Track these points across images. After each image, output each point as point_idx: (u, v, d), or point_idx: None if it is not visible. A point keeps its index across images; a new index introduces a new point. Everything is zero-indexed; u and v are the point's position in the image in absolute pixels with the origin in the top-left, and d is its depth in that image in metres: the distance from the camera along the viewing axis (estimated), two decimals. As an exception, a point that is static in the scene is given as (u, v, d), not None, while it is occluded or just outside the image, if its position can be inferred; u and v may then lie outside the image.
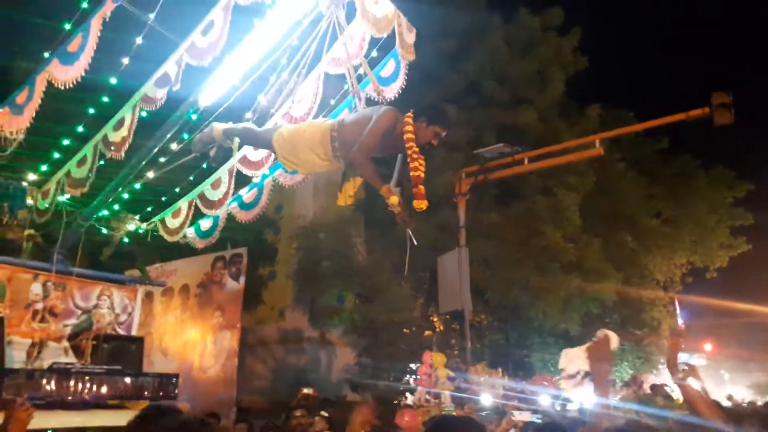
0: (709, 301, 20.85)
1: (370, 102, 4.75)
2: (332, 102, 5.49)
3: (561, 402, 9.01)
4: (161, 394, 5.36)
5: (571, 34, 15.58)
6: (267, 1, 4.31)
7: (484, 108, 14.34)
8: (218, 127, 4.81)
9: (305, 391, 9.86)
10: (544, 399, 9.13)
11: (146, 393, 5.27)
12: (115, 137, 5.08)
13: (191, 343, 11.82)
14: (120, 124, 5.08)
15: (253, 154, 5.93)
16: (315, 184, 14.93)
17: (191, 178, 6.64)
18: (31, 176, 6.43)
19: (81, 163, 5.58)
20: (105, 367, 5.30)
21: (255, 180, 6.32)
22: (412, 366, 13.97)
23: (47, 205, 6.30)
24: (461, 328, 13.41)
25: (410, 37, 4.61)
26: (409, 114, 3.85)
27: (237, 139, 4.93)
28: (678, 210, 16.72)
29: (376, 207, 14.55)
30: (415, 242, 3.94)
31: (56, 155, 6.05)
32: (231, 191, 6.17)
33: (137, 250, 10.03)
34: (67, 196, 6.07)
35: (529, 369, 14.58)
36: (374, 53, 5.01)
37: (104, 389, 4.91)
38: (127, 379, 5.14)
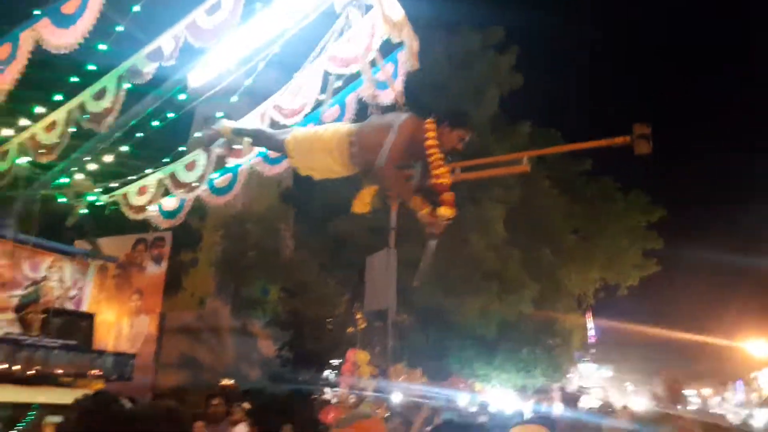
0: (619, 316, 22.04)
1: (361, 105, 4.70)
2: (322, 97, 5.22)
3: (478, 404, 9.32)
4: (116, 374, 5.14)
5: (509, 52, 16.07)
6: None
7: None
8: (227, 125, 4.64)
9: (225, 382, 9.80)
10: (460, 399, 9.43)
11: (101, 372, 5.03)
12: (94, 107, 4.67)
13: (106, 325, 11.46)
14: (101, 94, 4.65)
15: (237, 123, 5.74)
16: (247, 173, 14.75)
17: (167, 159, 6.28)
18: None
19: (50, 128, 5.09)
20: (60, 341, 5.01)
21: (228, 164, 6.03)
22: (333, 362, 14.09)
23: (5, 167, 5.71)
24: (384, 327, 13.61)
25: (416, 45, 4.51)
26: (431, 120, 3.69)
27: (248, 139, 4.67)
28: (595, 229, 17.59)
29: (309, 202, 14.59)
30: (432, 254, 3.81)
31: (23, 122, 5.50)
32: (207, 175, 5.80)
33: (87, 222, 9.48)
34: (27, 159, 5.55)
35: (446, 370, 14.95)
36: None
37: (58, 365, 4.65)
38: (83, 356, 4.89)
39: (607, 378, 30.46)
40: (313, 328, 13.92)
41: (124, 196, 6.59)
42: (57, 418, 3.92)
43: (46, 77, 4.71)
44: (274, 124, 5.27)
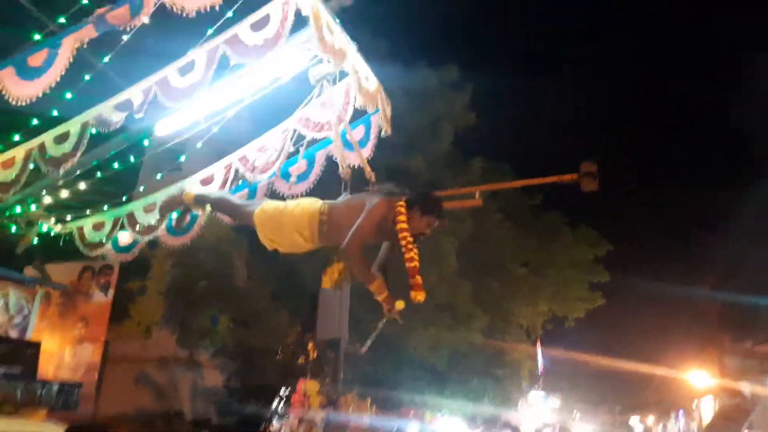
0: (567, 347, 22.48)
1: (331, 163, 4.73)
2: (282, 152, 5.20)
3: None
4: (61, 403, 4.98)
5: (464, 91, 16.54)
6: (255, 62, 4.03)
7: (378, 149, 14.82)
8: (190, 191, 4.49)
9: (175, 411, 9.60)
10: (410, 429, 9.49)
11: (45, 401, 4.86)
12: (55, 151, 4.51)
13: (47, 354, 11.07)
14: (63, 138, 4.50)
15: (203, 190, 5.43)
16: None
17: (124, 198, 6.19)
18: None
19: (7, 165, 4.89)
20: (3, 369, 4.81)
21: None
22: (283, 392, 13.91)
23: None
24: (336, 357, 13.57)
25: (389, 110, 4.59)
26: (401, 203, 3.66)
27: (208, 207, 4.59)
28: (544, 261, 18.05)
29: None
30: (379, 328, 3.95)
31: None
32: (166, 219, 5.62)
33: (36, 249, 9.20)
34: None
35: (398, 400, 14.96)
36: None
37: (1, 393, 4.46)
38: (27, 385, 4.71)
39: (555, 407, 30.87)
40: (263, 358, 13.75)
41: (79, 229, 6.44)
42: None
43: (4, 119, 4.60)
44: (238, 177, 5.29)
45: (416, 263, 3.58)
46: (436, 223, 3.74)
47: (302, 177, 5.22)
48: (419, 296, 3.54)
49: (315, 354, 15.25)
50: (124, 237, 6.13)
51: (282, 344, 14.07)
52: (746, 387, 15.43)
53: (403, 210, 3.63)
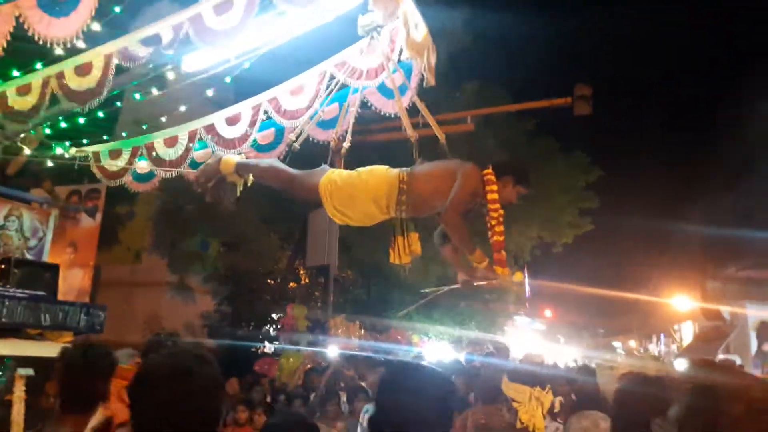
0: (553, 273, 22.85)
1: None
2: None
3: (414, 356, 9.59)
4: (87, 326, 4.90)
5: (460, 11, 15.92)
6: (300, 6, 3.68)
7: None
8: (229, 160, 4.07)
9: (164, 335, 9.74)
10: (398, 352, 9.69)
11: (72, 324, 4.78)
12: (76, 84, 4.15)
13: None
14: (85, 70, 4.12)
15: (230, 130, 5.10)
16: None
17: (144, 126, 5.87)
18: None
19: (23, 90, 4.51)
20: (28, 291, 4.71)
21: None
22: (274, 316, 14.12)
23: None
24: (326, 282, 13.69)
25: (434, 59, 4.25)
26: (489, 171, 3.49)
27: (251, 176, 4.15)
28: (536, 188, 17.93)
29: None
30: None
31: None
32: (190, 155, 5.29)
33: (42, 169, 8.91)
34: None
35: (386, 324, 15.27)
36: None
37: (26, 317, 4.37)
38: (53, 308, 4.63)
39: (540, 331, 31.77)
40: (253, 283, 13.84)
41: (95, 154, 6.09)
42: (28, 371, 3.79)
43: (26, 47, 4.06)
44: (268, 120, 4.96)
45: (502, 237, 3.48)
46: (524, 192, 3.60)
47: (333, 121, 4.77)
48: (504, 272, 3.42)
49: (306, 279, 15.41)
50: (143, 165, 5.79)
51: (273, 269, 14.14)
52: (726, 311, 15.82)
53: (493, 179, 3.46)
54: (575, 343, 34.79)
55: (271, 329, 13.89)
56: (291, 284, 14.90)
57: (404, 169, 3.68)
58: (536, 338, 29.76)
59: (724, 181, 20.91)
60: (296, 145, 4.34)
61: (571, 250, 19.92)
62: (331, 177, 3.69)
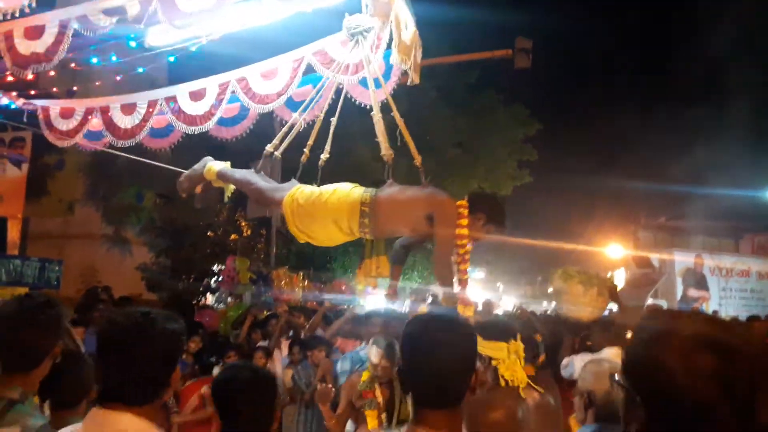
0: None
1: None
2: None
3: (355, 305, 9.70)
4: (43, 281, 4.65)
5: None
6: None
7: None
8: (213, 167, 4.03)
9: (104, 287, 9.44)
10: (341, 301, 9.77)
11: (27, 280, 4.52)
12: (24, 48, 3.93)
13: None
14: (38, 31, 3.89)
15: (193, 106, 4.82)
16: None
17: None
18: None
19: None
20: None
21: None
22: (215, 268, 13.93)
23: None
24: (268, 234, 13.56)
25: (419, 56, 4.13)
26: (463, 202, 3.31)
27: (231, 186, 4.14)
28: (477, 141, 18.15)
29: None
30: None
31: None
32: (147, 126, 5.01)
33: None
34: None
35: (330, 276, 15.33)
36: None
37: None
38: (5, 262, 4.34)
39: (479, 279, 32.67)
40: (193, 236, 13.56)
41: (44, 109, 5.65)
42: None
43: None
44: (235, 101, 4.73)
45: (467, 275, 3.38)
46: (492, 233, 3.41)
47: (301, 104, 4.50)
48: (468, 310, 3.23)
49: (248, 231, 15.21)
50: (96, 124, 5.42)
51: (213, 222, 13.86)
52: (655, 259, 16.62)
53: (465, 212, 3.28)
54: (513, 291, 35.98)
55: (212, 282, 13.73)
56: (232, 236, 14.67)
57: (368, 190, 3.59)
58: (476, 287, 30.61)
59: (657, 137, 21.71)
60: (277, 154, 4.20)
61: (511, 201, 20.35)
62: (294, 195, 3.62)
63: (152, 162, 7.99)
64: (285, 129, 4.24)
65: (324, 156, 4.22)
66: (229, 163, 4.17)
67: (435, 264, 3.43)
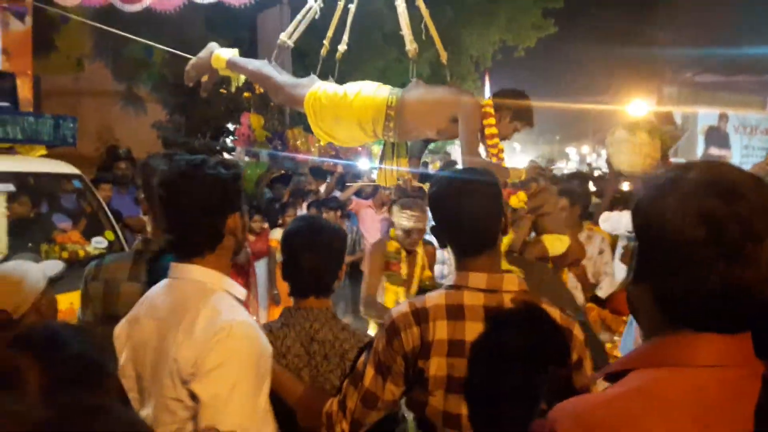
0: (513, 78, 22.61)
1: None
2: None
3: (372, 167, 9.70)
4: (59, 138, 4.62)
5: None
6: None
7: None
8: (220, 54, 3.79)
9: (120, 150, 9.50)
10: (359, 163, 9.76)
11: (43, 137, 4.49)
12: None
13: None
14: None
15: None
16: None
17: None
18: None
19: None
20: None
21: None
22: (230, 126, 13.86)
23: None
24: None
25: None
26: (489, 102, 3.29)
27: (242, 77, 3.96)
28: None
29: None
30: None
31: None
32: None
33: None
34: None
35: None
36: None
37: None
38: (20, 119, 4.29)
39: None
40: (207, 92, 13.34)
41: None
42: (8, 186, 3.68)
43: None
44: None
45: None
46: (521, 130, 3.43)
47: None
48: (516, 174, 3.31)
49: (259, 89, 14.89)
50: None
51: (224, 78, 13.54)
52: (678, 115, 16.18)
53: (491, 112, 3.28)
54: (531, 150, 35.77)
55: (228, 141, 13.72)
56: (245, 94, 14.42)
57: (394, 91, 3.47)
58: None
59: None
60: (290, 42, 4.03)
61: (533, 56, 19.53)
62: (316, 94, 3.52)
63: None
64: (299, 16, 4.01)
65: (341, 47, 4.04)
66: (237, 50, 3.96)
67: (463, 162, 3.43)
